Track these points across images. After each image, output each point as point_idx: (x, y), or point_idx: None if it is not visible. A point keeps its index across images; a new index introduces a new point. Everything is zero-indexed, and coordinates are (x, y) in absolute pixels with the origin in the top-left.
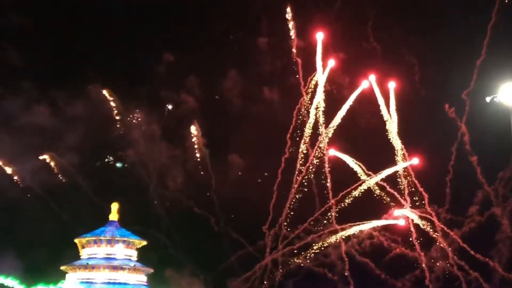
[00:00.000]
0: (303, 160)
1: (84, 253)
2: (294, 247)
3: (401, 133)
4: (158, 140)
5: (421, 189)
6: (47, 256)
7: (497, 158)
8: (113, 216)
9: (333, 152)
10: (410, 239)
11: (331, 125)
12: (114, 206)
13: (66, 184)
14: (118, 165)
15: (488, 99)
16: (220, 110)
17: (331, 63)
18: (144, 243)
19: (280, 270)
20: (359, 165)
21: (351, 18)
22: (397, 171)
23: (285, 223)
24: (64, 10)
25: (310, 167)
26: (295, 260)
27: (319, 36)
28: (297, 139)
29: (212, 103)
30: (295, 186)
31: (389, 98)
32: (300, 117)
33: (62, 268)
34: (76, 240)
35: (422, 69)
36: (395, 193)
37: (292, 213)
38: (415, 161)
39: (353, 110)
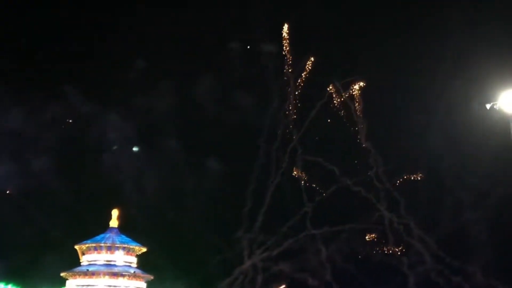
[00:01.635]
0: (277, 165)
1: (84, 259)
2: (272, 253)
3: (372, 138)
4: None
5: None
6: (47, 263)
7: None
8: (113, 222)
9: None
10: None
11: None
12: (115, 213)
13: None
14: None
15: (488, 106)
16: (195, 114)
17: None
18: (144, 249)
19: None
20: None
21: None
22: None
23: (260, 229)
24: (38, 13)
25: (283, 171)
26: (276, 265)
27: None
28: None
29: (186, 108)
30: (271, 190)
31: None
32: (274, 121)
33: (62, 274)
34: (76, 247)
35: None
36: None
37: (267, 218)
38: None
39: (325, 115)
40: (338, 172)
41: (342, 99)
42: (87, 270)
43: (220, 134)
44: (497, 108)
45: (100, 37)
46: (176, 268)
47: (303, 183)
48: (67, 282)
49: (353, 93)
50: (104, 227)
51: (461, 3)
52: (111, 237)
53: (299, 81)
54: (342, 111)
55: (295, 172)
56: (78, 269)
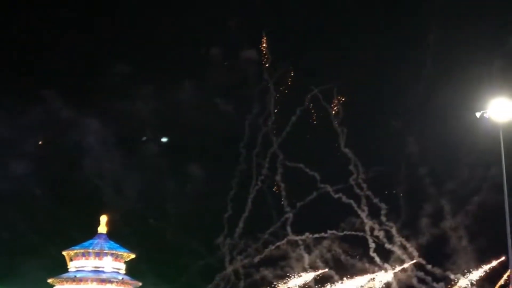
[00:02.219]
0: (258, 170)
1: (72, 265)
2: (253, 259)
3: (353, 145)
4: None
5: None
6: (34, 268)
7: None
8: (102, 228)
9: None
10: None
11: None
12: (103, 219)
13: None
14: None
15: (478, 114)
16: (175, 120)
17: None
18: (133, 256)
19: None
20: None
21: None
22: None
23: (242, 234)
24: (16, 17)
25: (264, 178)
26: (258, 272)
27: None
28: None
29: (167, 114)
30: (251, 196)
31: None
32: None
33: (49, 280)
34: (64, 253)
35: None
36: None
37: (248, 224)
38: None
39: (305, 122)
40: (319, 178)
41: (322, 105)
42: (75, 276)
43: (201, 140)
44: (487, 117)
45: (81, 41)
46: (160, 274)
47: (284, 189)
48: None
49: (333, 100)
50: (92, 233)
51: (447, 10)
52: (99, 243)
53: (278, 87)
54: (322, 118)
55: (276, 178)
56: (65, 275)
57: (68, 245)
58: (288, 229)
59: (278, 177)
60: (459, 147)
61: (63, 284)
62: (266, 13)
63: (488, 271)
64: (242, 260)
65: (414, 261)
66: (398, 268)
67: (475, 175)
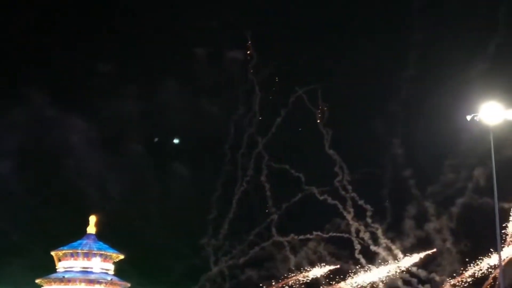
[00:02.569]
0: (243, 171)
1: (60, 266)
2: (238, 260)
3: (338, 146)
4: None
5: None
6: (21, 269)
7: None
8: (91, 229)
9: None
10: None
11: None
12: (92, 219)
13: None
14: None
15: (468, 117)
16: (160, 120)
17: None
18: (122, 256)
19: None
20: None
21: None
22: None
23: (226, 236)
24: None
25: (249, 179)
26: (243, 272)
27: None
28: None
29: (152, 114)
30: (236, 197)
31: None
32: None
33: (37, 281)
34: (53, 253)
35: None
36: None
37: (233, 225)
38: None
39: (290, 123)
40: (304, 180)
41: (307, 106)
42: (63, 276)
43: (186, 140)
44: (478, 120)
45: (65, 41)
46: (145, 275)
47: (269, 190)
48: None
49: (318, 101)
50: (81, 233)
51: (436, 12)
52: (88, 244)
53: (263, 88)
54: (307, 119)
55: (261, 179)
56: (53, 275)
57: (56, 246)
58: (273, 230)
59: (263, 178)
60: (445, 149)
61: (51, 285)
62: (251, 13)
63: (473, 273)
64: (227, 261)
65: (399, 263)
66: (383, 270)
67: (460, 176)
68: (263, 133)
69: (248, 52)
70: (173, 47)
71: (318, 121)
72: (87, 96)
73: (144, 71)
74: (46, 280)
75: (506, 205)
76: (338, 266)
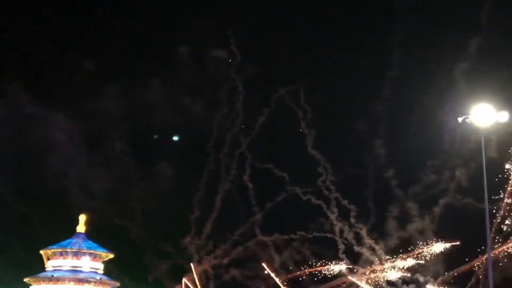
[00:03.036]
0: (226, 171)
1: (49, 265)
2: (222, 260)
3: (321, 146)
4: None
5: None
6: (10, 267)
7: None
8: (81, 228)
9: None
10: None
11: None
12: (82, 218)
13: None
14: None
15: (460, 119)
16: (144, 118)
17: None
18: (111, 256)
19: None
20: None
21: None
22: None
23: (209, 235)
24: None
25: (232, 178)
26: (227, 272)
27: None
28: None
29: (136, 112)
30: (220, 197)
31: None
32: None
33: (26, 280)
34: (42, 252)
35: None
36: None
37: (217, 224)
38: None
39: (273, 123)
40: (287, 180)
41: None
42: (52, 276)
43: (169, 139)
44: (469, 122)
45: (48, 38)
46: (127, 273)
47: (253, 189)
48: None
49: (300, 101)
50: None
51: (419, 12)
52: (77, 243)
53: (246, 87)
54: (290, 119)
55: (244, 179)
56: (42, 274)
57: (45, 245)
58: (257, 230)
59: (246, 178)
60: (427, 149)
61: (39, 284)
62: (235, 12)
63: (457, 273)
64: (210, 261)
65: (384, 263)
66: (367, 270)
67: (442, 177)
68: (247, 132)
69: (231, 51)
70: (157, 46)
71: (301, 121)
72: (70, 94)
73: (127, 69)
74: (34, 279)
75: (489, 206)
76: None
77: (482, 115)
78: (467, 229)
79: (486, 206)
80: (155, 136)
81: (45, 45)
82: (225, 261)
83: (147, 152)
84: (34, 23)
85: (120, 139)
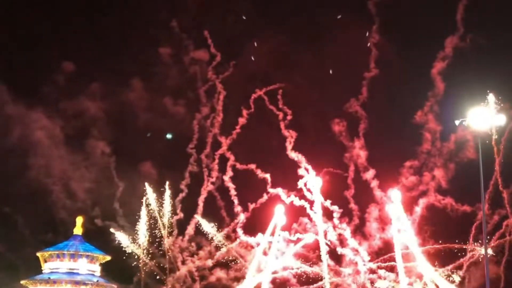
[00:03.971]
0: (209, 173)
1: (46, 267)
2: (206, 262)
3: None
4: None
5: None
6: (6, 270)
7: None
8: (78, 230)
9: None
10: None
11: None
12: (79, 220)
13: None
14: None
15: (457, 122)
16: (124, 120)
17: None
18: (108, 258)
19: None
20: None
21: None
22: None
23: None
24: None
25: (214, 180)
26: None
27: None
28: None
29: (115, 113)
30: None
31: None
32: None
33: (23, 282)
34: (38, 254)
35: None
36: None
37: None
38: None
39: (254, 124)
40: (270, 181)
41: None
42: (49, 278)
43: (151, 140)
44: (466, 125)
45: (28, 38)
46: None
47: (235, 191)
48: None
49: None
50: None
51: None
52: (74, 245)
53: (226, 88)
54: (269, 120)
55: (226, 180)
56: (39, 277)
57: (42, 247)
58: (240, 231)
59: (227, 179)
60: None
61: (36, 286)
62: (211, 12)
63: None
64: (194, 262)
65: (367, 265)
66: (351, 272)
67: (422, 178)
68: (228, 133)
69: (210, 51)
70: (137, 46)
71: (280, 122)
72: (49, 94)
73: (108, 70)
74: (31, 282)
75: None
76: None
77: (479, 118)
78: (449, 230)
79: (484, 209)
80: (136, 137)
81: (25, 45)
82: (209, 262)
83: (128, 152)
84: (13, 23)
85: (102, 139)
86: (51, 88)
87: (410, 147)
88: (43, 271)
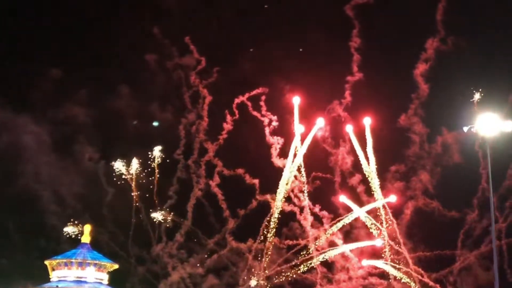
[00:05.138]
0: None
1: (54, 275)
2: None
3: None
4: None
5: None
6: (15, 278)
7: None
8: (85, 238)
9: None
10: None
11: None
12: (87, 228)
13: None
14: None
15: (465, 128)
16: (111, 126)
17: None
18: (116, 266)
19: None
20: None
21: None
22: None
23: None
24: None
25: (202, 187)
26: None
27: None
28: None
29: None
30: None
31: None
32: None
33: None
34: (47, 262)
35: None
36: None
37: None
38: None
39: (239, 130)
40: (258, 187)
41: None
42: (57, 286)
43: (137, 146)
44: (474, 131)
45: (14, 44)
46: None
47: (224, 197)
48: None
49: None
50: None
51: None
52: (82, 253)
53: (211, 94)
54: (254, 126)
55: (214, 187)
56: (47, 285)
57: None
58: (230, 237)
59: (214, 185)
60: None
61: None
62: (194, 18)
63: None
64: (184, 269)
65: (358, 270)
66: (342, 278)
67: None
68: (215, 139)
69: (195, 58)
70: (123, 53)
71: (264, 128)
72: (37, 100)
73: (95, 76)
74: None
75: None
76: None
77: (487, 124)
78: (437, 235)
79: (492, 215)
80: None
81: (12, 51)
82: (200, 269)
83: (115, 159)
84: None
85: (89, 145)
86: (38, 94)
87: (396, 151)
88: (51, 279)
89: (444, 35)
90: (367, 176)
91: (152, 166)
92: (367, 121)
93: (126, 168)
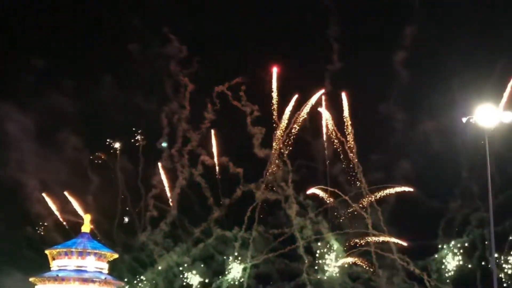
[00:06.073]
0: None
1: (54, 264)
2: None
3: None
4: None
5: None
6: (15, 267)
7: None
8: (85, 227)
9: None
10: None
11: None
12: (87, 218)
13: None
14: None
15: (464, 119)
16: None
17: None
18: (116, 255)
19: None
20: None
21: None
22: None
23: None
24: None
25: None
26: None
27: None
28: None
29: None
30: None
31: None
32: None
33: (31, 279)
34: (47, 251)
35: None
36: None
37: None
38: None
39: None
40: (242, 176)
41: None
42: (57, 275)
43: (124, 136)
44: (473, 122)
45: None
46: None
47: (208, 185)
48: (36, 287)
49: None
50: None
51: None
52: (82, 242)
53: (192, 83)
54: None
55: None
56: (47, 274)
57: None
58: (216, 226)
59: (198, 174)
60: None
61: (45, 283)
62: (175, 9)
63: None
64: (172, 257)
65: (345, 260)
66: (328, 267)
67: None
68: (197, 128)
69: (176, 48)
70: (106, 43)
71: (247, 117)
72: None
73: (79, 66)
74: (40, 279)
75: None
76: None
77: (487, 115)
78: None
79: (491, 208)
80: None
81: None
82: (187, 257)
83: (100, 149)
84: None
85: (73, 135)
86: (22, 84)
87: (377, 139)
88: (51, 269)
89: (421, 23)
90: (350, 165)
91: (137, 155)
92: (344, 97)
93: (110, 157)
